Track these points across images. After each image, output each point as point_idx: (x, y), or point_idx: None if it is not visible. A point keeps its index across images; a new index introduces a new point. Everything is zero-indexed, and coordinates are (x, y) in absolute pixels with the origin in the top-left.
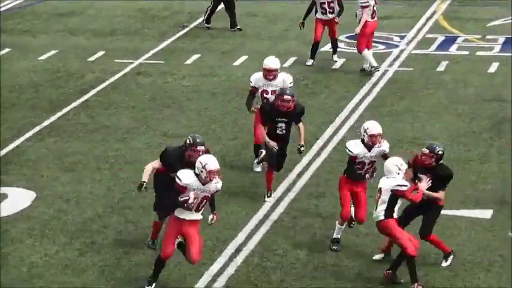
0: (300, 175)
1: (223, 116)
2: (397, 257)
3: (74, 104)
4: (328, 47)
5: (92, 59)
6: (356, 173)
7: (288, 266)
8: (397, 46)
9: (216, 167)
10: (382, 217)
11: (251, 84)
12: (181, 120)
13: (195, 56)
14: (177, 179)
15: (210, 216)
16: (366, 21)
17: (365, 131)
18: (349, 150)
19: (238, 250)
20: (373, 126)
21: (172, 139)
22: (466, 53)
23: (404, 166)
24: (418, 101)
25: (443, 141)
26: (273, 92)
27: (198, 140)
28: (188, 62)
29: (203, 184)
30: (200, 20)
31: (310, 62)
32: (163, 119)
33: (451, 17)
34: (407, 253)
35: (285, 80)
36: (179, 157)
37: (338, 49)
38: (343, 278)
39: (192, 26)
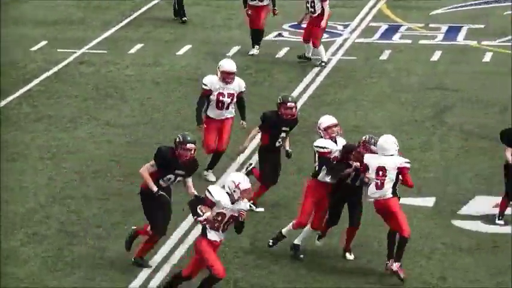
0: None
1: (166, 105)
2: (390, 244)
3: (16, 94)
4: (272, 36)
5: (34, 48)
6: (332, 171)
7: (231, 254)
8: (340, 35)
9: (249, 186)
10: (390, 195)
11: (205, 87)
12: (124, 109)
13: (138, 46)
14: (208, 194)
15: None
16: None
17: (319, 127)
18: (321, 147)
19: (181, 240)
20: (326, 119)
21: (115, 128)
22: (409, 41)
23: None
24: (361, 90)
25: (386, 129)
26: (230, 94)
27: (188, 138)
28: (131, 51)
29: (232, 203)
30: (144, 9)
31: (253, 51)
32: (106, 109)
33: (394, 6)
34: (404, 234)
35: (240, 84)
36: (173, 156)
37: (281, 38)
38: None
39: (135, 15)
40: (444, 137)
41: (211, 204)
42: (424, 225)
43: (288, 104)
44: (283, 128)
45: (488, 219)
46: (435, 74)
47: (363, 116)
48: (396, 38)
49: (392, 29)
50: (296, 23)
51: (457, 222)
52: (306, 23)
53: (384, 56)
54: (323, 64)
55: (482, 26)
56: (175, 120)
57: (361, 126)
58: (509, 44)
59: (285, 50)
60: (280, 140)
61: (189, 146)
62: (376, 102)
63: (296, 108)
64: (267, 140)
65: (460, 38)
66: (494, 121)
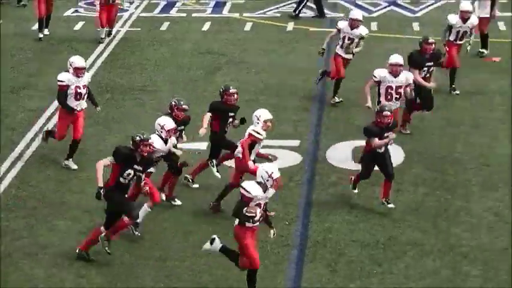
0: None
1: None
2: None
3: None
4: (70, 12)
5: None
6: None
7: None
8: (127, 10)
9: (279, 175)
10: None
11: (62, 83)
12: None
13: None
14: (243, 191)
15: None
16: None
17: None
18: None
19: None
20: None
21: None
22: (184, 15)
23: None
24: (146, 56)
25: (166, 89)
26: (84, 86)
27: (145, 136)
28: None
29: (264, 192)
30: None
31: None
32: None
33: None
34: None
35: (87, 75)
36: (131, 152)
37: (77, 14)
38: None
39: None
40: (215, 93)
41: (248, 200)
42: None
43: (231, 90)
44: (230, 114)
45: None
46: (205, 41)
47: (147, 78)
48: (173, 12)
49: (170, 5)
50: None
51: None
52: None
53: (163, 27)
54: (101, 41)
55: (243, 1)
56: None
57: (147, 86)
58: (265, 15)
59: (81, 23)
60: (228, 125)
61: (150, 141)
62: (158, 66)
63: (237, 94)
64: (217, 126)
65: (225, 11)
66: (255, 79)
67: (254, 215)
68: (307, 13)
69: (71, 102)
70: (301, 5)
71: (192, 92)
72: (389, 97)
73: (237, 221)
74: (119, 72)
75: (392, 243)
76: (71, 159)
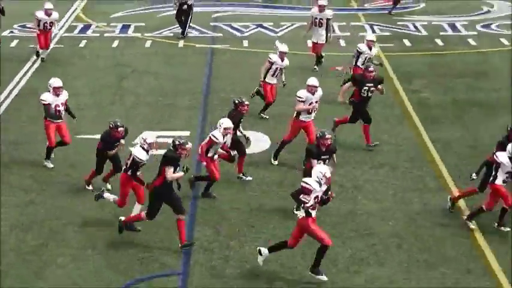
0: None
1: None
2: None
3: None
4: (6, 32)
5: None
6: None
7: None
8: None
9: (330, 175)
10: None
11: (45, 101)
12: None
13: None
14: (305, 184)
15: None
16: None
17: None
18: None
19: None
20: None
21: None
22: (98, 35)
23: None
24: (68, 68)
25: (85, 92)
26: (63, 103)
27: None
28: None
29: (319, 186)
30: None
31: None
32: None
33: (86, 12)
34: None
35: (65, 93)
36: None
37: (13, 34)
38: None
39: None
40: (124, 96)
41: (308, 191)
42: None
43: (245, 103)
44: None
45: None
46: (115, 55)
47: (70, 85)
48: (89, 33)
49: (87, 27)
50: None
51: None
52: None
53: (82, 44)
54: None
55: (144, 24)
56: None
57: (69, 91)
58: (161, 35)
59: (15, 41)
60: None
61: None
62: (78, 75)
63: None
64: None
65: (130, 32)
66: (155, 85)
67: (307, 201)
68: (192, 33)
69: (52, 117)
70: (187, 27)
71: (106, 95)
72: (309, 111)
73: (301, 215)
74: (48, 79)
75: (263, 209)
76: (49, 160)
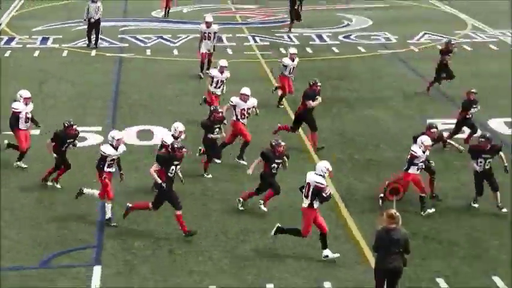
0: None
1: None
2: None
3: None
4: None
5: None
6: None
7: None
8: None
9: (331, 169)
10: None
11: (17, 110)
12: None
13: None
14: (318, 184)
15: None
16: None
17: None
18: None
19: None
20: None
21: None
22: (21, 46)
23: None
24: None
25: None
26: (31, 112)
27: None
28: None
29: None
30: None
31: None
32: None
33: (10, 26)
34: None
35: (31, 104)
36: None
37: None
38: None
39: None
40: (44, 99)
41: (323, 189)
42: None
43: (219, 110)
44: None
45: None
46: (37, 63)
47: (5, 90)
48: (13, 44)
49: (11, 39)
50: None
51: None
52: None
53: (7, 54)
54: None
55: (61, 36)
56: None
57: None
58: (76, 46)
59: None
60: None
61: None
62: (5, 80)
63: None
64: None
65: (49, 43)
66: (70, 89)
67: (331, 193)
68: (103, 43)
69: (22, 124)
70: (98, 38)
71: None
72: (243, 116)
73: (305, 205)
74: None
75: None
76: (22, 160)
